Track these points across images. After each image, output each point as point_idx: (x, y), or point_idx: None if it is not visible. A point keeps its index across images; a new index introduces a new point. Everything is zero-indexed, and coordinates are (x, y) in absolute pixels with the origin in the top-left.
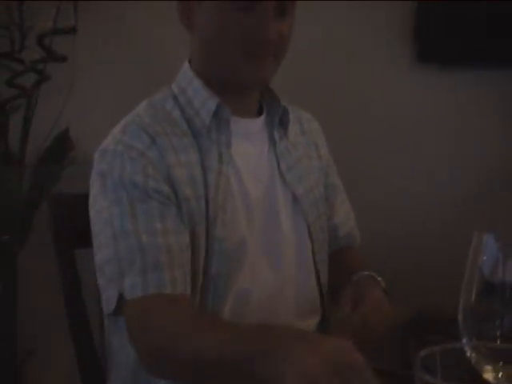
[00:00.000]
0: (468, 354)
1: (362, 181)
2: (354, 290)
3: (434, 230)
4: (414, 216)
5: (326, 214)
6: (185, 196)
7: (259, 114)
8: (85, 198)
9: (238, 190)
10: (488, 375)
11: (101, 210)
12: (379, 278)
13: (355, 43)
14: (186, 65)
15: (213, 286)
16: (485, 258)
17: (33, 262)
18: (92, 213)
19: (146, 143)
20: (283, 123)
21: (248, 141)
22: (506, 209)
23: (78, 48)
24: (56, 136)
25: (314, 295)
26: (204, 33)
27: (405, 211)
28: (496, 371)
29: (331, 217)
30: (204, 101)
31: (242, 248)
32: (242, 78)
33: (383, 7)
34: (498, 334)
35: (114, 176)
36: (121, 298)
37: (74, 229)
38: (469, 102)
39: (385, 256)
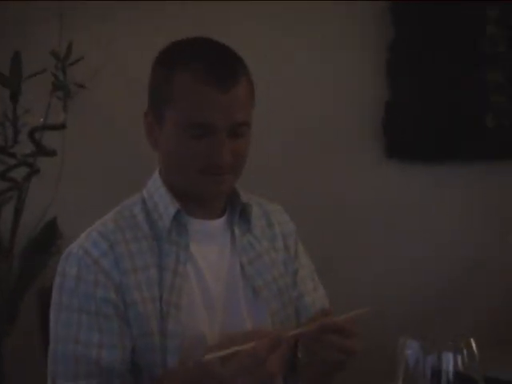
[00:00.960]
0: None
1: (334, 272)
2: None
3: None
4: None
5: (293, 303)
6: (133, 300)
7: (224, 212)
8: None
9: (197, 288)
10: None
11: (55, 307)
12: None
13: (329, 138)
14: (156, 173)
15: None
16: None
17: (19, 348)
18: (51, 305)
19: (103, 250)
20: (246, 218)
21: (209, 240)
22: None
23: (67, 143)
24: (44, 225)
25: None
26: (165, 152)
27: (378, 300)
28: None
29: (296, 303)
30: (166, 206)
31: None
32: (201, 192)
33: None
34: None
35: (70, 281)
36: None
37: None
38: (436, 194)
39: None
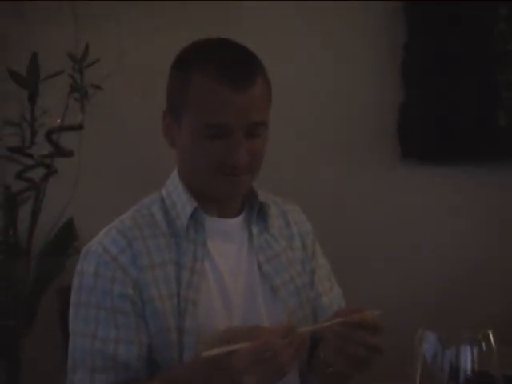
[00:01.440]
0: None
1: (351, 275)
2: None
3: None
4: (398, 308)
5: (310, 302)
6: (150, 297)
7: (241, 211)
8: None
9: (215, 285)
10: None
11: (74, 304)
12: None
13: (343, 140)
14: (175, 172)
15: None
16: (427, 346)
17: (37, 349)
18: (70, 304)
19: (122, 247)
20: (263, 217)
21: (227, 238)
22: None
23: (84, 144)
24: (61, 226)
25: None
26: (182, 153)
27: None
28: None
29: (313, 303)
30: (184, 204)
31: None
32: (217, 193)
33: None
34: None
35: (89, 278)
36: None
37: None
38: (451, 195)
39: None
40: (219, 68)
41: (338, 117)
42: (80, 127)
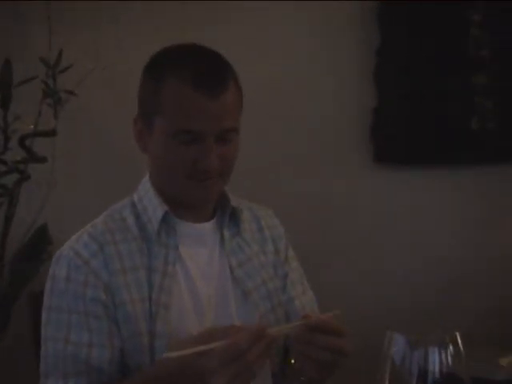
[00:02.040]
0: None
1: (322, 273)
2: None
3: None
4: (370, 318)
5: (282, 305)
6: (122, 301)
7: (213, 215)
8: None
9: (186, 289)
10: None
11: (45, 309)
12: None
13: (316, 144)
14: (147, 176)
15: None
16: (395, 349)
17: (10, 355)
18: (43, 309)
19: (93, 251)
20: (235, 222)
21: (199, 243)
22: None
23: (58, 149)
24: (35, 232)
25: None
26: (154, 158)
27: (366, 307)
28: None
29: (285, 306)
30: (155, 208)
31: None
32: (189, 198)
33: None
34: None
35: (60, 282)
36: None
37: None
38: (424, 198)
39: None
40: (194, 75)
41: (312, 120)
42: (53, 133)
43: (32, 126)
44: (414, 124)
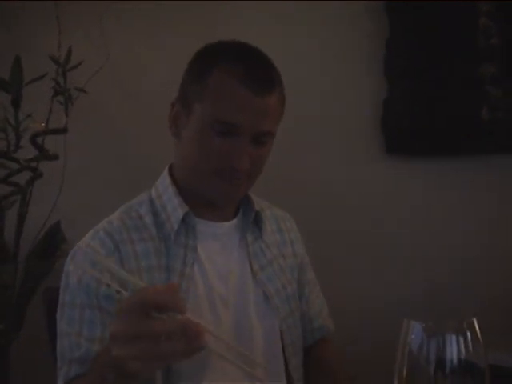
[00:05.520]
0: None
1: (336, 271)
2: None
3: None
4: (386, 306)
5: (299, 309)
6: None
7: (235, 215)
8: None
9: (203, 290)
10: None
11: (60, 305)
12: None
13: (328, 136)
14: (166, 171)
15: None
16: (412, 337)
17: (26, 352)
18: (58, 306)
19: (109, 250)
20: (258, 225)
21: (218, 243)
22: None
23: (69, 147)
24: (48, 229)
25: None
26: (186, 146)
27: (379, 299)
28: None
29: (306, 310)
30: (175, 208)
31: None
32: (212, 195)
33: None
34: None
35: (74, 279)
36: None
37: None
38: (434, 189)
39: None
40: (245, 69)
41: (325, 113)
42: (64, 130)
43: (43, 124)
44: (424, 115)
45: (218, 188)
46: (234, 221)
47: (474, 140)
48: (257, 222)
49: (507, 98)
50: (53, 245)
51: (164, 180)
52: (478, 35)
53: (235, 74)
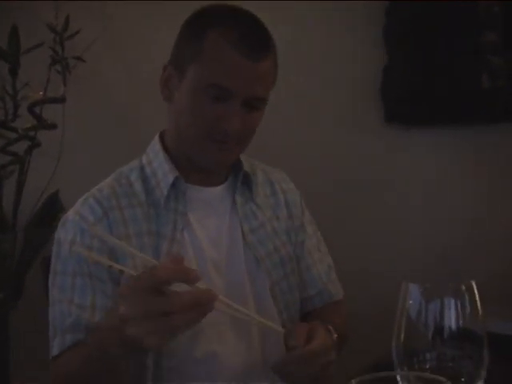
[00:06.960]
0: (400, 383)
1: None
2: (310, 328)
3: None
4: (388, 277)
5: (295, 272)
6: (126, 266)
7: (224, 180)
8: None
9: (194, 255)
10: None
11: (51, 273)
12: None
13: (327, 104)
14: (156, 138)
15: (177, 347)
16: (411, 302)
17: (25, 321)
18: (50, 273)
19: (98, 216)
20: (248, 186)
21: (209, 208)
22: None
23: (67, 116)
24: (46, 199)
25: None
26: (178, 108)
27: (378, 271)
28: None
29: (302, 275)
30: (165, 173)
31: None
32: (202, 160)
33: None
34: (427, 366)
35: (65, 246)
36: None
37: None
38: (434, 157)
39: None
40: (240, 33)
41: (323, 82)
42: (63, 99)
43: (41, 93)
44: (423, 84)
45: (208, 152)
46: (224, 185)
47: (475, 108)
48: (247, 183)
49: (508, 66)
50: (51, 214)
51: (154, 146)
52: (479, 3)
53: (230, 38)
